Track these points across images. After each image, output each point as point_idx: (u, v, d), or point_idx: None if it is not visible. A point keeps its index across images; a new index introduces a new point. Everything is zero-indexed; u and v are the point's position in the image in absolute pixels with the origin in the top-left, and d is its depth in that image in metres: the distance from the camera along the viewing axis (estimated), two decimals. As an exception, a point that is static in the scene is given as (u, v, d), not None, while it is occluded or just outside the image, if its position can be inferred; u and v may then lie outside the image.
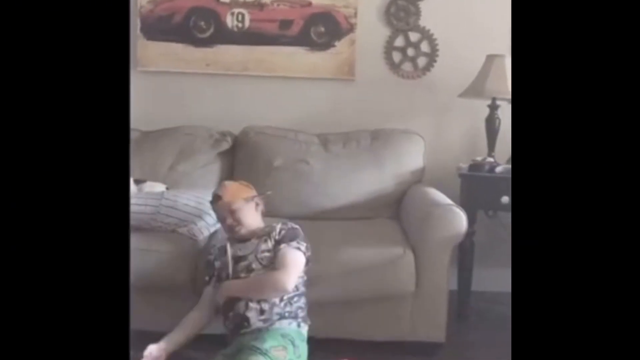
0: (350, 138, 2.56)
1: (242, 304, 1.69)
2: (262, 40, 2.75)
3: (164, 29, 2.76)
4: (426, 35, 2.78)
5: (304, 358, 1.67)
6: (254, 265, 1.75)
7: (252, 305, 1.68)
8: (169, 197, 2.14)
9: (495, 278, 2.63)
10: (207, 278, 1.86)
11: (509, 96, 2.43)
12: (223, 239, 1.94)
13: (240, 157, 2.57)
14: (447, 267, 2.01)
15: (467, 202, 2.30)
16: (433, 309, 2.01)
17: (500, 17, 2.61)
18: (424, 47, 2.79)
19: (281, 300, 1.70)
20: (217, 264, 1.84)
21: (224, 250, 1.84)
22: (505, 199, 2.31)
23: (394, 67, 2.79)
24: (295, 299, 1.73)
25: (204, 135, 2.58)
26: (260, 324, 1.66)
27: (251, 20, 2.75)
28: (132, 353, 1.54)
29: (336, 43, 2.75)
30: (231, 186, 1.93)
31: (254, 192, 1.94)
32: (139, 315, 1.47)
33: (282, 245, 1.75)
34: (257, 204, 1.92)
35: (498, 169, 2.39)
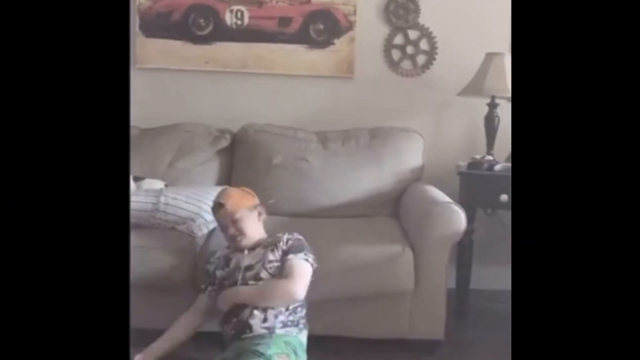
0: (350, 136, 2.56)
1: (246, 311, 1.67)
2: (261, 38, 2.75)
3: (163, 26, 2.75)
4: (425, 33, 2.77)
5: None
6: (262, 275, 1.73)
7: (257, 312, 1.66)
8: (167, 194, 2.14)
9: (494, 276, 2.64)
10: (203, 286, 1.84)
11: (508, 94, 2.43)
12: (223, 247, 1.90)
13: (239, 154, 2.57)
14: (446, 264, 2.02)
15: (466, 200, 2.30)
16: (432, 307, 2.02)
17: (499, 16, 2.61)
18: (423, 45, 2.78)
19: (287, 309, 1.69)
20: (219, 273, 1.80)
21: (226, 259, 1.81)
22: (504, 197, 2.31)
23: (393, 65, 2.79)
24: (299, 308, 1.73)
25: (203, 133, 2.58)
26: (262, 331, 1.64)
27: (250, 18, 2.75)
28: (132, 351, 1.55)
29: (335, 41, 2.75)
30: (234, 194, 1.87)
31: (256, 200, 1.90)
32: (138, 313, 1.46)
33: (290, 256, 1.74)
34: (259, 213, 1.88)
35: (497, 167, 2.39)
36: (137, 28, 2.74)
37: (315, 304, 1.83)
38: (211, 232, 2.13)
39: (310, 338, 1.74)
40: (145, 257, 1.94)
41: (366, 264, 1.96)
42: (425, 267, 1.99)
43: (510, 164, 2.37)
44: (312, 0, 2.73)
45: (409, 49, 2.79)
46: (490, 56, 2.51)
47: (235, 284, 1.74)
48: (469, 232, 2.26)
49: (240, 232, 1.80)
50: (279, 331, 1.65)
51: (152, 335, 1.73)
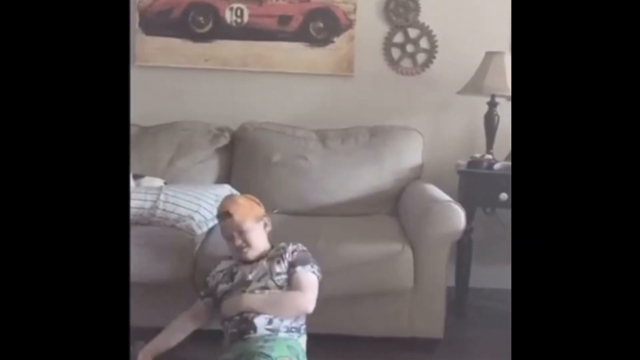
0: (349, 134, 2.56)
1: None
2: (260, 36, 2.74)
3: (163, 24, 2.75)
4: (425, 31, 2.77)
5: None
6: (270, 287, 1.71)
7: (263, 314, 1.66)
8: (167, 192, 2.14)
9: (493, 275, 2.65)
10: (202, 293, 1.82)
11: (508, 93, 2.43)
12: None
13: (238, 152, 2.57)
14: (446, 263, 2.02)
15: (465, 199, 2.30)
16: (431, 305, 2.02)
17: (499, 14, 2.61)
18: (423, 43, 2.78)
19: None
20: (222, 287, 1.77)
21: (231, 274, 1.78)
22: (504, 196, 2.31)
23: (393, 63, 2.79)
24: (303, 315, 1.72)
25: (202, 131, 2.58)
26: (266, 332, 1.63)
27: (250, 16, 2.74)
28: (131, 349, 1.55)
29: (335, 39, 2.75)
30: (242, 203, 1.81)
31: (263, 209, 1.86)
32: (137, 311, 1.46)
33: (298, 268, 1.73)
34: (265, 224, 1.84)
35: (496, 166, 2.39)
36: (137, 26, 2.74)
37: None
38: (210, 230, 2.13)
39: (309, 336, 1.74)
40: (144, 255, 1.94)
41: (366, 262, 1.96)
42: (425, 265, 1.99)
43: (509, 163, 2.37)
44: (312, -1, 2.73)
45: (409, 48, 2.79)
46: (490, 55, 2.51)
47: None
48: (468, 230, 2.26)
49: (247, 244, 1.76)
50: (282, 335, 1.64)
51: (152, 333, 1.73)
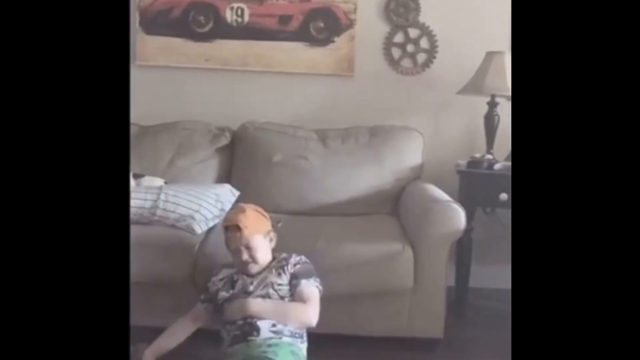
0: (349, 134, 2.56)
1: None
2: (261, 36, 2.74)
3: (163, 23, 2.75)
4: (426, 31, 2.77)
5: None
6: (271, 296, 1.71)
7: None
8: (167, 192, 2.14)
9: (493, 275, 2.65)
10: (202, 297, 1.81)
11: (508, 93, 2.43)
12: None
13: (239, 152, 2.57)
14: (446, 263, 2.02)
15: (465, 199, 2.30)
16: (431, 305, 2.02)
17: (500, 14, 2.61)
18: (424, 43, 2.78)
19: None
20: (222, 294, 1.76)
21: (232, 282, 1.77)
22: (504, 196, 2.31)
23: (393, 63, 2.79)
24: None
25: (203, 131, 2.58)
26: (270, 335, 1.63)
27: (250, 15, 2.75)
28: (131, 348, 1.56)
29: (335, 39, 2.75)
30: (252, 216, 1.77)
31: (270, 224, 1.82)
32: (138, 310, 1.46)
33: (303, 281, 1.73)
34: (271, 239, 1.81)
35: (496, 166, 2.39)
36: (137, 25, 2.74)
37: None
38: (210, 230, 2.13)
39: (309, 335, 1.74)
40: (144, 255, 1.94)
41: (366, 262, 1.96)
42: (425, 265, 1.99)
43: (510, 163, 2.37)
44: (313, -2, 2.73)
45: (409, 47, 2.79)
46: (490, 55, 2.51)
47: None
48: (468, 230, 2.26)
49: (254, 260, 1.74)
50: (285, 339, 1.64)
51: (152, 332, 1.73)
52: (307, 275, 1.76)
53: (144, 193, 2.13)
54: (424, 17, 2.77)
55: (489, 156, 2.49)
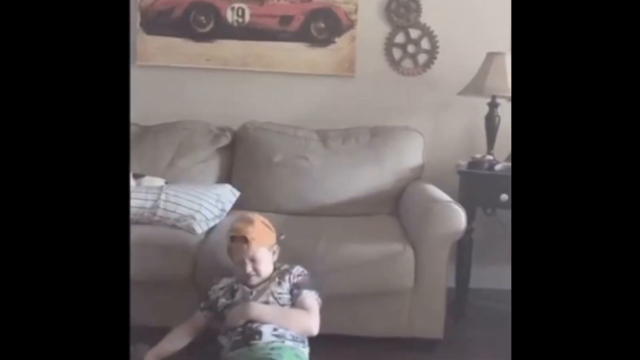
0: (350, 134, 2.57)
1: None
2: (262, 36, 2.75)
3: (164, 23, 2.75)
4: (426, 32, 2.77)
5: None
6: (271, 304, 1.72)
7: None
8: (168, 191, 2.14)
9: (493, 275, 2.65)
10: (202, 305, 1.82)
11: (509, 94, 2.43)
12: (227, 277, 1.85)
13: (239, 152, 2.57)
14: (446, 263, 2.02)
15: (465, 200, 2.30)
16: (431, 305, 2.02)
17: (500, 15, 2.60)
18: (424, 44, 2.78)
19: None
20: (222, 302, 1.77)
21: (232, 290, 1.78)
22: (504, 197, 2.31)
23: (394, 63, 2.79)
24: None
25: (203, 131, 2.58)
26: (273, 338, 1.63)
27: (251, 15, 2.75)
28: (131, 348, 1.56)
29: (336, 39, 2.75)
30: (259, 229, 1.78)
31: (274, 236, 1.83)
32: (138, 310, 1.47)
33: (305, 291, 1.75)
34: (274, 252, 1.82)
35: (497, 167, 2.39)
36: (138, 25, 2.74)
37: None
38: (211, 230, 2.13)
39: (310, 336, 1.75)
40: (145, 254, 1.94)
41: (366, 262, 1.96)
42: (425, 265, 1.99)
43: (510, 164, 2.37)
44: (314, -1, 2.73)
45: (410, 48, 2.79)
46: (491, 56, 2.51)
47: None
48: (468, 231, 2.26)
49: (257, 273, 1.75)
50: (288, 343, 1.64)
51: (152, 332, 1.74)
52: (310, 286, 1.78)
53: (145, 193, 2.13)
54: (425, 18, 2.77)
55: (490, 157, 2.49)
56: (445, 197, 2.11)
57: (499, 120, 2.54)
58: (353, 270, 1.95)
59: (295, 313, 1.72)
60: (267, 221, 1.84)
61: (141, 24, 2.74)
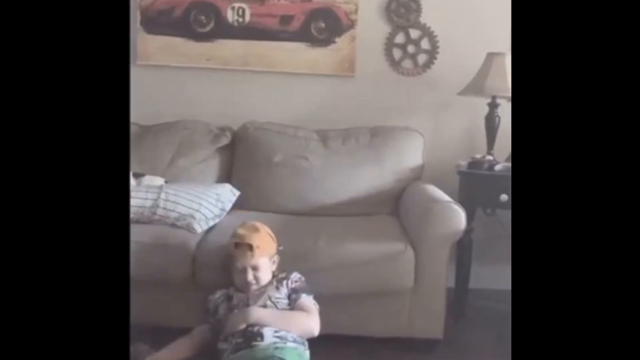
0: (350, 134, 2.57)
1: None
2: (262, 36, 2.74)
3: (164, 23, 2.75)
4: (427, 32, 2.77)
5: None
6: (269, 307, 1.73)
7: None
8: (168, 191, 2.14)
9: (493, 275, 2.65)
10: (202, 318, 1.82)
11: (509, 94, 2.43)
12: (221, 289, 1.86)
13: (239, 152, 2.57)
14: (446, 263, 2.02)
15: (465, 200, 2.30)
16: (431, 305, 2.02)
17: (501, 15, 2.61)
18: (425, 44, 2.78)
19: None
20: (221, 309, 1.78)
21: (228, 297, 1.79)
22: (504, 197, 2.31)
23: (394, 64, 2.79)
24: None
25: (203, 130, 2.58)
26: (275, 339, 1.63)
27: (252, 15, 2.75)
28: (131, 348, 1.56)
29: (337, 39, 2.75)
30: (264, 237, 1.81)
31: (276, 245, 1.86)
32: (137, 309, 1.46)
33: (303, 295, 1.77)
34: (274, 262, 1.85)
35: (497, 167, 2.39)
36: (138, 24, 2.74)
37: (315, 301, 1.83)
38: (211, 229, 2.13)
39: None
40: (145, 253, 1.94)
41: (367, 262, 1.96)
42: (425, 265, 1.99)
43: (510, 164, 2.37)
44: (314, -1, 2.73)
45: (410, 48, 2.79)
46: (491, 56, 2.51)
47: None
48: (468, 231, 2.26)
49: (257, 281, 1.77)
50: (290, 344, 1.64)
51: (152, 331, 1.74)
52: (308, 291, 1.79)
53: (145, 192, 2.13)
54: (425, 18, 2.77)
55: (490, 157, 2.49)
56: (445, 197, 2.11)
57: (499, 121, 2.54)
58: (353, 270, 1.95)
59: (296, 315, 1.73)
60: (270, 231, 1.86)
61: (141, 23, 2.74)
